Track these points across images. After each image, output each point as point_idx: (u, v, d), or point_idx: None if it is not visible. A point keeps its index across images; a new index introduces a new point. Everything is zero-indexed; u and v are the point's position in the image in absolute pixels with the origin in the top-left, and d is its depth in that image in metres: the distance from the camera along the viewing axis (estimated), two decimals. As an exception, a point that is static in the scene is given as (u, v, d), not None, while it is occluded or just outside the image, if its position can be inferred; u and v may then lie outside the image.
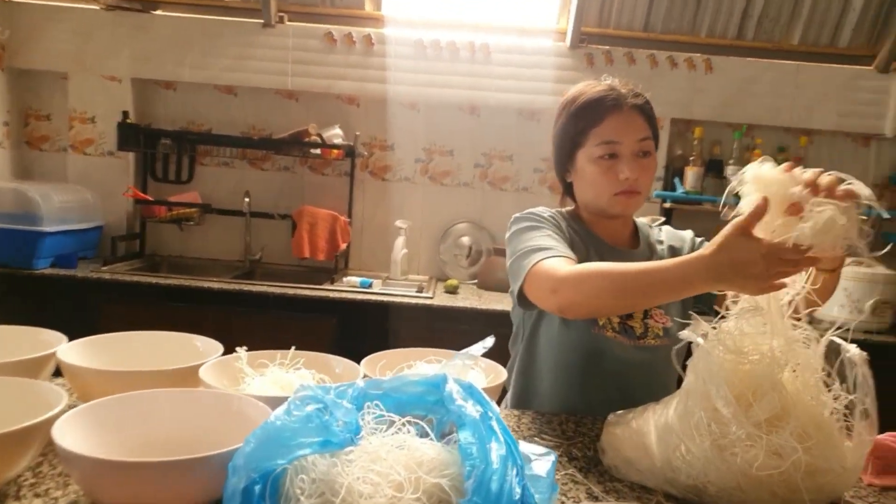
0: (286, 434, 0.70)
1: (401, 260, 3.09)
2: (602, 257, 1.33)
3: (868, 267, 2.64)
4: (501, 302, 2.70)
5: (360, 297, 2.62)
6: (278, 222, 3.18)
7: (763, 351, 0.93)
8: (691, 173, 2.92)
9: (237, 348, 1.05)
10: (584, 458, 1.03)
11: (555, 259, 1.18)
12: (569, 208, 1.43)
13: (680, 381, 1.31)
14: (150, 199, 3.05)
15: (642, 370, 1.28)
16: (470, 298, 2.75)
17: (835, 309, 2.67)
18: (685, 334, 0.91)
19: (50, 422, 0.75)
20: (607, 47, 3.02)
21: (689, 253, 1.39)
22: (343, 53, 3.04)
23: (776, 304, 0.97)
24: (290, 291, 2.59)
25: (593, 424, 1.20)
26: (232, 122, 3.16)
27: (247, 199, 3.03)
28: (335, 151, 2.96)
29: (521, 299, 1.24)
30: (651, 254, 1.40)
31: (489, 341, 0.94)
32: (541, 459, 0.83)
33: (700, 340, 0.88)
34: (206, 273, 2.89)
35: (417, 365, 1.10)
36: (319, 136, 2.93)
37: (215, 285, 2.59)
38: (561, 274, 1.12)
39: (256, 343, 1.11)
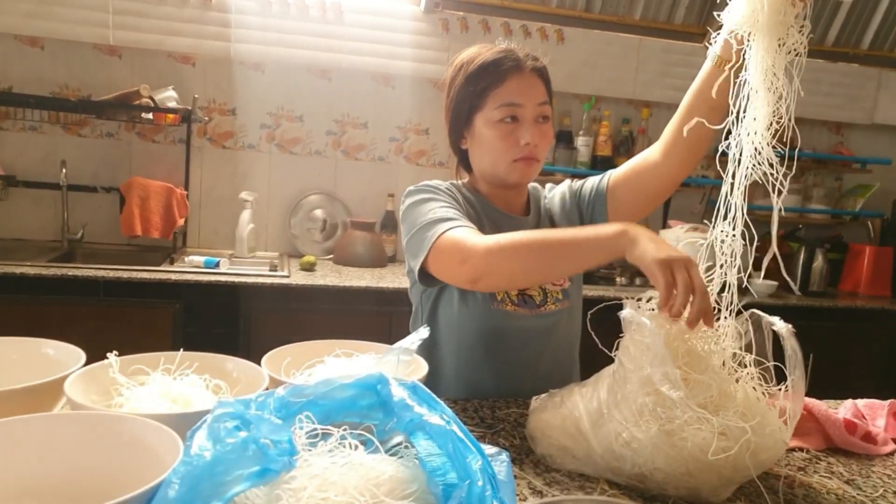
0: (219, 468, 0.56)
1: (247, 236, 2.85)
2: (498, 227, 1.28)
3: (702, 232, 2.87)
4: (363, 278, 2.59)
5: (206, 278, 2.36)
6: (102, 196, 2.79)
7: (686, 330, 0.92)
8: (544, 144, 2.97)
9: (108, 354, 0.85)
10: (513, 448, 0.98)
11: (459, 229, 1.10)
12: (463, 180, 1.35)
13: (583, 355, 1.33)
14: (-67, 169, 2.53)
15: (546, 339, 1.26)
16: (329, 276, 2.60)
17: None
18: (626, 314, 0.87)
19: None
20: (462, 13, 2.96)
21: (570, 197, 1.36)
22: (176, 6, 2.69)
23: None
24: (125, 275, 2.27)
25: (507, 408, 1.15)
26: (38, 79, 2.68)
27: (63, 170, 2.61)
28: (170, 116, 2.63)
29: (423, 276, 1.15)
30: (539, 219, 1.36)
31: (424, 332, 0.84)
32: (495, 461, 0.75)
33: (647, 322, 0.84)
34: (12, 256, 2.46)
35: (327, 361, 0.97)
36: (152, 98, 2.58)
37: (28, 270, 2.20)
38: (469, 244, 1.05)
39: (87, 338, 0.92)
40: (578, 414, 0.94)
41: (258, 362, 0.95)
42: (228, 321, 2.40)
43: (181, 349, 0.91)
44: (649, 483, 0.87)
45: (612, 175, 1.32)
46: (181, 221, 2.75)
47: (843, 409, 1.14)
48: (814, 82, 3.33)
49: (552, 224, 1.37)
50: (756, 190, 3.51)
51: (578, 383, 1.02)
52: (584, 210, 1.35)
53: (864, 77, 3.39)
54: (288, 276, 2.48)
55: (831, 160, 3.43)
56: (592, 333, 1.05)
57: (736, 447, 0.80)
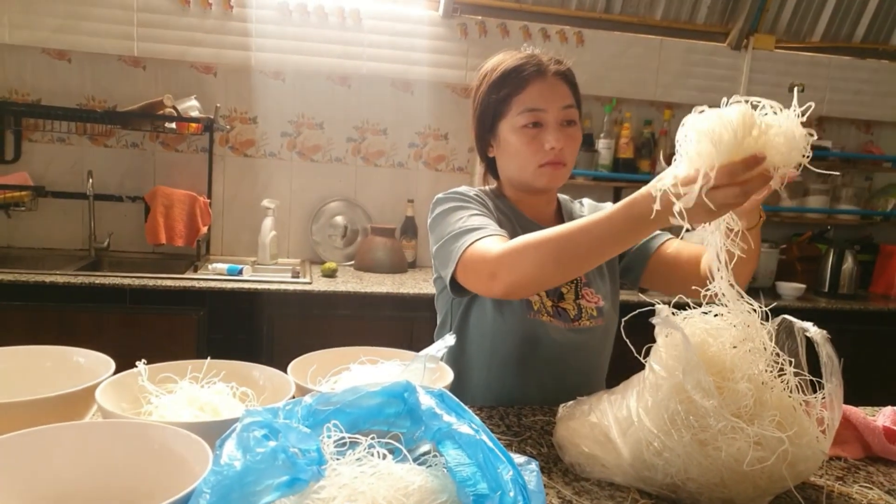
0: (249, 478, 0.55)
1: (269, 243, 2.86)
2: None
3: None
4: (384, 284, 2.59)
5: (229, 285, 2.38)
6: (128, 205, 2.82)
7: (725, 337, 0.90)
8: (566, 147, 2.95)
9: (137, 362, 0.86)
10: (540, 457, 0.96)
11: (487, 239, 1.09)
12: (492, 186, 1.35)
13: (612, 362, 1.31)
14: (-36, 181, 2.58)
15: (577, 354, 1.24)
16: (350, 282, 2.60)
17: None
18: (659, 320, 0.86)
19: None
20: (480, 17, 2.96)
21: None
22: (197, 17, 2.73)
23: (726, 286, 0.95)
24: (150, 283, 2.30)
25: (534, 415, 1.13)
26: (66, 91, 2.73)
27: (90, 180, 2.65)
28: (192, 126, 2.66)
29: (455, 286, 1.14)
30: None
31: (450, 339, 0.83)
32: (525, 470, 0.74)
33: (680, 327, 0.83)
34: (42, 265, 2.50)
35: (353, 368, 0.97)
36: (175, 108, 2.61)
37: (58, 279, 2.23)
38: (495, 255, 1.03)
39: (113, 345, 0.92)
40: (607, 422, 0.92)
41: (281, 368, 0.95)
42: (251, 328, 2.41)
43: (208, 357, 0.91)
44: (681, 493, 0.85)
45: (663, 244, 1.29)
46: (204, 229, 2.77)
47: (882, 417, 1.11)
48: (842, 80, 3.28)
49: None
50: (783, 190, 3.41)
51: (607, 391, 1.01)
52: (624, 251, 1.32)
53: (894, 73, 3.33)
54: (310, 283, 2.49)
55: (861, 159, 3.36)
56: (627, 340, 1.02)
57: (772, 458, 0.78)
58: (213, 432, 0.67)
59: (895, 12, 3.22)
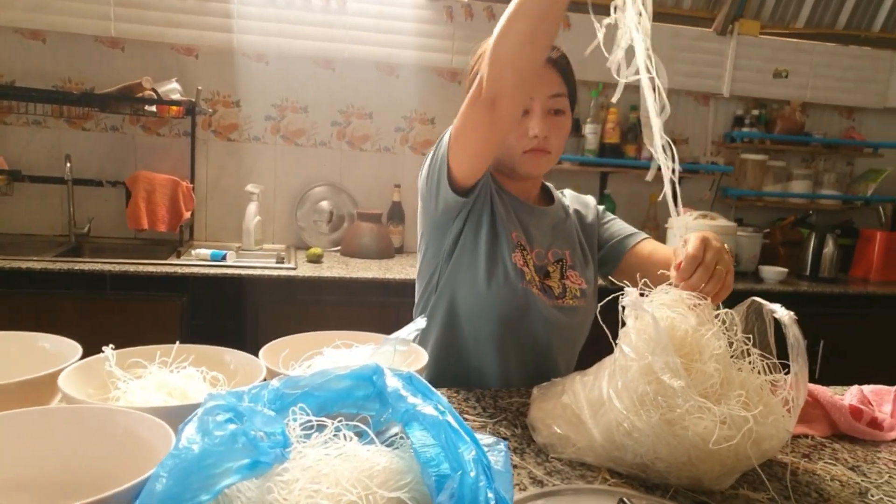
0: (208, 461, 0.55)
1: (254, 228, 2.85)
2: (519, 215, 1.28)
3: (711, 220, 2.84)
4: (370, 269, 2.58)
5: (213, 271, 2.37)
6: (108, 190, 2.79)
7: (693, 318, 0.91)
8: (550, 132, 2.95)
9: (103, 347, 0.85)
10: (514, 438, 0.97)
11: None
12: None
13: (590, 346, 1.31)
14: (-60, 165, 2.54)
15: (560, 333, 1.24)
16: (336, 267, 2.59)
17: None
18: (629, 302, 0.86)
19: None
20: (466, 1, 2.93)
21: (593, 220, 1.38)
22: (177, -3, 2.69)
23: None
24: (132, 268, 2.28)
25: (510, 397, 1.14)
26: (41, 73, 2.69)
27: (68, 165, 2.62)
28: (174, 109, 2.63)
29: (455, 186, 1.14)
30: (566, 215, 1.36)
31: (421, 322, 0.83)
32: (493, 451, 0.75)
33: (649, 309, 0.83)
34: (20, 252, 2.47)
35: (326, 352, 0.97)
36: (155, 90, 2.58)
37: (35, 265, 2.21)
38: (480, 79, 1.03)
39: (94, 332, 0.91)
40: (580, 403, 0.93)
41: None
42: (236, 314, 2.40)
43: (177, 342, 0.90)
44: (651, 472, 0.86)
45: (639, 243, 1.33)
46: (187, 214, 2.75)
47: (849, 396, 1.12)
48: (824, 66, 3.29)
49: (579, 219, 1.37)
50: (767, 175, 3.46)
51: (580, 372, 1.01)
52: (602, 243, 1.38)
53: (876, 60, 3.34)
54: (295, 268, 2.48)
55: (842, 145, 3.38)
56: (603, 325, 1.02)
57: (738, 436, 0.79)
58: (181, 417, 0.67)
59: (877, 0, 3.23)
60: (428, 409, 0.64)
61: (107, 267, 2.26)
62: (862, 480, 0.91)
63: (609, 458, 0.88)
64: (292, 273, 2.42)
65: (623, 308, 0.90)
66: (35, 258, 2.28)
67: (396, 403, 0.67)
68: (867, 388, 1.15)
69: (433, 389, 0.71)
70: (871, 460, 0.99)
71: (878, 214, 3.34)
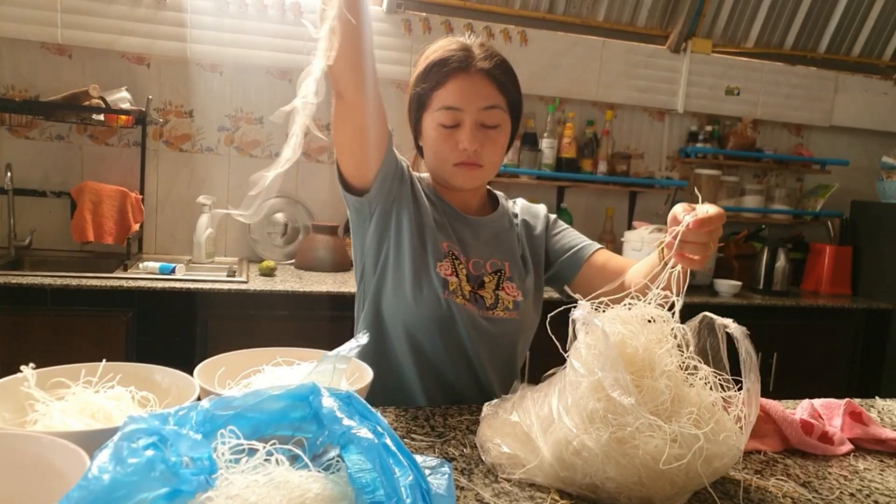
0: (119, 493, 0.51)
1: (205, 241, 2.77)
2: (454, 225, 1.26)
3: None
4: (324, 283, 2.53)
5: (161, 284, 2.29)
6: (51, 201, 2.69)
7: (644, 334, 0.89)
8: (508, 146, 2.95)
9: (22, 367, 0.79)
10: (462, 458, 0.94)
11: None
12: (426, 173, 1.32)
13: (538, 359, 1.29)
14: None
15: (491, 346, 1.22)
16: (289, 281, 2.54)
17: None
18: (579, 315, 0.84)
19: None
20: (425, 14, 2.93)
21: (541, 231, 1.36)
22: (128, 5, 2.62)
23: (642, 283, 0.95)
24: (74, 282, 2.19)
25: (460, 415, 1.10)
26: (-18, 79, 2.59)
27: (8, 174, 2.51)
28: (123, 118, 2.55)
29: (343, 182, 1.18)
30: (510, 225, 1.33)
31: (363, 338, 0.80)
32: (436, 474, 0.71)
33: (598, 323, 0.81)
34: (-44, 265, 2.36)
35: (265, 370, 0.92)
36: (102, 99, 2.50)
37: (-30, 279, 2.10)
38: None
39: (34, 350, 0.85)
40: (529, 421, 0.90)
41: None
42: (185, 329, 2.32)
43: (103, 360, 0.85)
44: (601, 493, 0.83)
45: (594, 253, 1.31)
46: (136, 227, 2.66)
47: (800, 410, 1.12)
48: (774, 84, 3.37)
49: (527, 229, 1.34)
50: (720, 190, 3.51)
51: (531, 388, 0.99)
52: (550, 254, 1.34)
53: (822, 79, 3.44)
54: (246, 282, 2.42)
55: (792, 161, 3.46)
56: (553, 337, 1.00)
57: (689, 455, 0.77)
58: (100, 442, 0.62)
59: (822, 22, 3.32)
60: (363, 433, 0.61)
61: (47, 280, 2.16)
62: (813, 497, 0.90)
63: (558, 479, 0.85)
64: (243, 287, 2.36)
65: (573, 322, 0.88)
66: (-31, 272, 2.18)
67: (332, 425, 0.64)
68: (818, 402, 1.15)
69: (371, 410, 0.68)
70: (822, 475, 0.98)
71: (827, 229, 3.43)
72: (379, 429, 0.64)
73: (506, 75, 1.20)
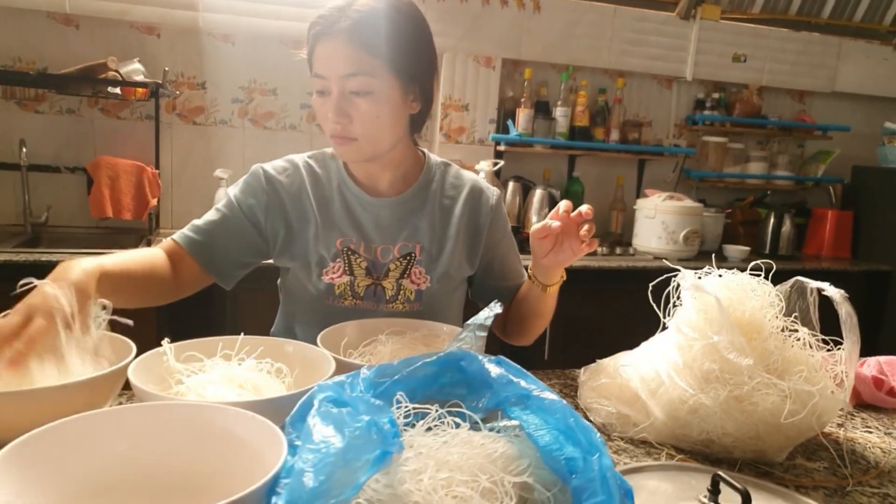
0: (350, 455, 0.53)
1: (222, 214, 2.75)
2: (353, 212, 1.18)
3: (678, 201, 2.92)
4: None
5: (187, 259, 2.28)
6: (67, 177, 2.64)
7: (748, 298, 0.93)
8: (523, 115, 2.96)
9: (162, 341, 0.81)
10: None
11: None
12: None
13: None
14: None
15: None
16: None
17: (653, 241, 2.93)
18: (688, 283, 0.88)
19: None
20: (437, -17, 2.89)
21: (484, 221, 1.23)
22: (138, -29, 2.55)
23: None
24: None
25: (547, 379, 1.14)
26: (-11, 51, 2.52)
27: (23, 150, 2.46)
28: (139, 91, 2.50)
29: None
30: (430, 201, 1.21)
31: (497, 307, 0.82)
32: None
33: (713, 293, 0.85)
34: (-26, 243, 2.32)
35: (381, 339, 0.95)
36: (118, 71, 2.45)
37: (-2, 257, 2.08)
38: None
39: None
40: (634, 383, 0.94)
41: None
42: (212, 301, 2.32)
43: (242, 334, 0.87)
44: (715, 447, 0.88)
45: (484, 278, 1.28)
46: (154, 201, 2.64)
47: (868, 367, 1.18)
48: (778, 51, 3.41)
49: (469, 211, 1.23)
50: (726, 157, 3.55)
51: (623, 353, 1.03)
52: (491, 268, 1.28)
53: (825, 45, 3.48)
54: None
55: (795, 128, 3.52)
56: (655, 305, 0.99)
57: (804, 410, 0.82)
58: (265, 411, 0.65)
59: (830, -15, 3.36)
60: (545, 393, 0.64)
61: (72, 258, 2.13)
62: (898, 446, 0.96)
63: (672, 436, 0.90)
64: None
65: (678, 289, 0.92)
66: (-4, 249, 2.15)
67: (503, 389, 0.67)
68: (883, 359, 1.21)
69: (527, 373, 0.71)
70: (898, 426, 1.04)
71: (828, 194, 3.51)
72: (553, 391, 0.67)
73: (368, 36, 1.02)
